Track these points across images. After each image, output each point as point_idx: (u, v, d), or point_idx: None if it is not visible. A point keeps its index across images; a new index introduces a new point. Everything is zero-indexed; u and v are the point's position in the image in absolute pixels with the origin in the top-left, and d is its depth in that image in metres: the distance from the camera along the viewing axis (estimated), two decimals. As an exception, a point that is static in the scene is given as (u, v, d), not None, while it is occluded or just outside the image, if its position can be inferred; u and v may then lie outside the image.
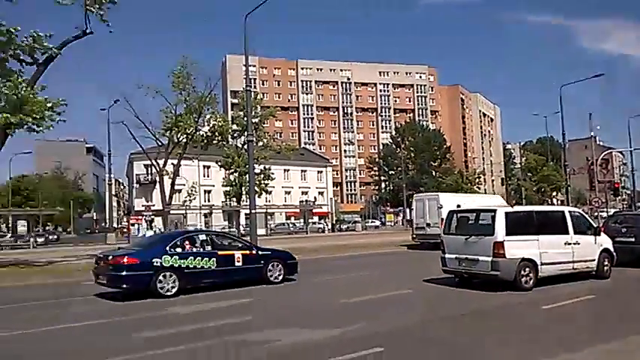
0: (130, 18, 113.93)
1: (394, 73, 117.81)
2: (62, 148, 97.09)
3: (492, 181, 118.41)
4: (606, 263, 12.47)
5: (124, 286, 10.92)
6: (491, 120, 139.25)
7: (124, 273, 10.69)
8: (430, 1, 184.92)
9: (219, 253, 12.05)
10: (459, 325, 7.93)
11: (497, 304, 9.39)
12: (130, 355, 6.30)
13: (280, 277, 12.81)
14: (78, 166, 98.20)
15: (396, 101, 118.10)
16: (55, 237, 55.15)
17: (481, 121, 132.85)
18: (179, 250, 11.48)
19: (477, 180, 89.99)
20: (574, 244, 11.71)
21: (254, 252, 12.83)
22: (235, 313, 9.15)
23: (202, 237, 12.68)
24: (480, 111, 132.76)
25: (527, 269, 10.73)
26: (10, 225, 42.77)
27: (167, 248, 11.31)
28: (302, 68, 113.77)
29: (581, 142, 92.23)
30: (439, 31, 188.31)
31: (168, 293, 10.86)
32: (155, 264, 10.90)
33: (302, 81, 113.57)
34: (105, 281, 11.16)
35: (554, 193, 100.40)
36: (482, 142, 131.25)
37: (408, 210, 78.37)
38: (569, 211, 12.53)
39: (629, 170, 63.66)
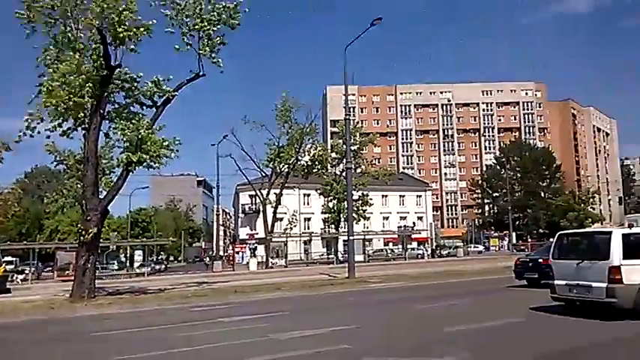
0: (236, 54, 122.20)
1: (498, 91, 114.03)
2: (176, 182, 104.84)
3: (609, 200, 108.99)
4: None
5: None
6: (607, 135, 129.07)
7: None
8: (534, 17, 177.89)
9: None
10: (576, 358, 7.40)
11: (615, 335, 8.62)
12: None
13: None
14: (189, 199, 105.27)
15: (500, 120, 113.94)
16: (163, 267, 58.33)
17: (595, 137, 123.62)
18: None
19: (591, 200, 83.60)
20: None
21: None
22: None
23: None
24: (594, 126, 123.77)
25: None
26: (127, 255, 46.31)
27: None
28: (401, 93, 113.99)
29: None
30: (546, 46, 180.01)
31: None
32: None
33: (401, 105, 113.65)
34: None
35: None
36: (596, 159, 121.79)
37: (514, 234, 74.69)
38: None
39: None
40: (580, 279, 10.30)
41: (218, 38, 19.17)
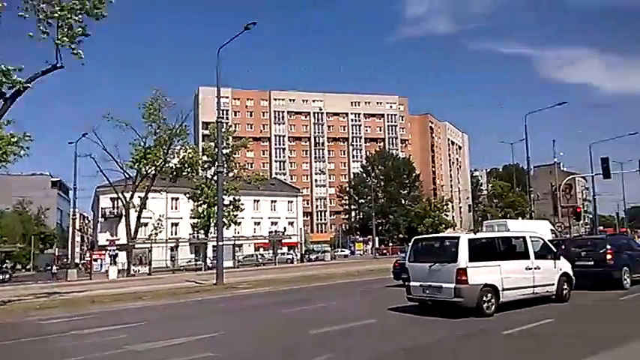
0: (102, 50, 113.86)
1: (365, 103, 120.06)
2: (26, 182, 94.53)
3: (460, 207, 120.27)
4: (565, 287, 12.70)
5: None
6: (460, 148, 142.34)
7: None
8: (401, 35, 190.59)
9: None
10: (420, 356, 7.97)
11: (460, 332, 9.45)
12: None
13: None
14: (41, 201, 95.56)
15: (367, 130, 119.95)
16: (7, 276, 52.15)
17: (449, 149, 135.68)
18: None
19: (445, 207, 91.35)
20: (535, 268, 11.93)
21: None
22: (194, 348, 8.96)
23: None
24: (449, 139, 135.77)
25: (489, 295, 10.83)
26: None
27: None
28: (275, 99, 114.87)
29: (546, 169, 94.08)
30: (410, 63, 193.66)
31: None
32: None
33: (275, 111, 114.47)
34: None
35: (520, 219, 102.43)
36: (450, 170, 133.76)
37: (377, 238, 79.06)
38: (530, 237, 12.71)
39: (591, 195, 65.65)
40: (432, 280, 11.15)
41: (80, 29, 17.71)
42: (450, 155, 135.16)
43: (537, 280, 11.95)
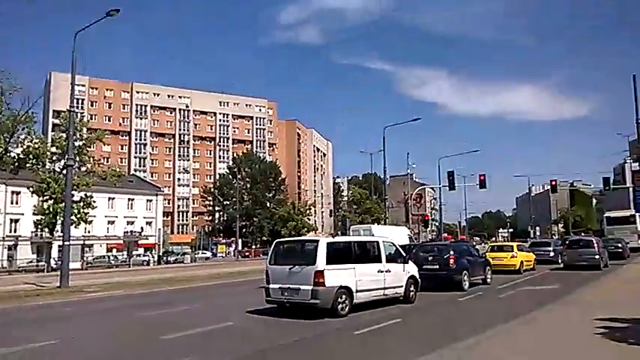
0: None
1: (234, 104, 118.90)
2: None
3: (322, 212, 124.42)
4: (412, 289, 13.71)
5: None
6: (324, 155, 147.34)
7: None
8: (274, 40, 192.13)
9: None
10: (278, 356, 8.04)
11: (315, 332, 9.72)
12: None
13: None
14: None
15: (235, 132, 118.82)
16: None
17: (315, 156, 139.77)
18: None
19: (308, 211, 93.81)
20: (386, 271, 12.70)
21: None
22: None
23: None
24: (315, 146, 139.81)
25: (343, 297, 11.29)
26: None
27: None
28: (137, 92, 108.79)
29: (400, 179, 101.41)
30: (281, 68, 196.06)
31: None
32: None
33: (137, 105, 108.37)
34: None
35: (375, 224, 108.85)
36: (314, 176, 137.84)
37: (240, 241, 78.57)
38: (384, 241, 13.53)
39: (438, 205, 72.03)
40: (291, 282, 11.31)
41: None
42: (315, 161, 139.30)
43: (388, 282, 12.74)
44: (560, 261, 27.74)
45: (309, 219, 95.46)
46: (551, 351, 7.59)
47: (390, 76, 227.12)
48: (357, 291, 11.65)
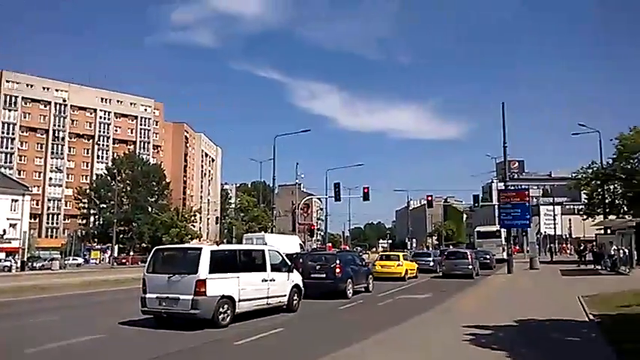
0: None
1: (118, 101, 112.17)
2: None
3: (208, 219, 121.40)
4: (296, 298, 13.69)
5: None
6: (213, 160, 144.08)
7: None
8: (164, 39, 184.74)
9: None
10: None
11: (192, 345, 9.29)
12: None
13: None
14: None
15: (116, 131, 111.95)
16: None
17: (203, 161, 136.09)
18: None
19: (193, 217, 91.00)
20: (270, 280, 12.56)
21: None
22: None
23: None
24: (203, 151, 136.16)
25: (225, 306, 10.98)
26: None
27: None
28: (8, 81, 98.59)
29: (289, 188, 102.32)
30: (170, 68, 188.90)
31: None
32: None
33: (5, 95, 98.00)
34: None
35: (267, 233, 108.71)
36: (202, 181, 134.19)
37: (116, 247, 73.93)
38: (269, 250, 13.44)
39: (324, 215, 73.61)
40: (170, 292, 10.71)
41: None
42: (202, 167, 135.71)
43: (272, 291, 12.63)
44: (439, 270, 30.46)
45: (193, 226, 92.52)
46: (423, 357, 7.94)
47: (283, 86, 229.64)
48: (239, 300, 11.40)
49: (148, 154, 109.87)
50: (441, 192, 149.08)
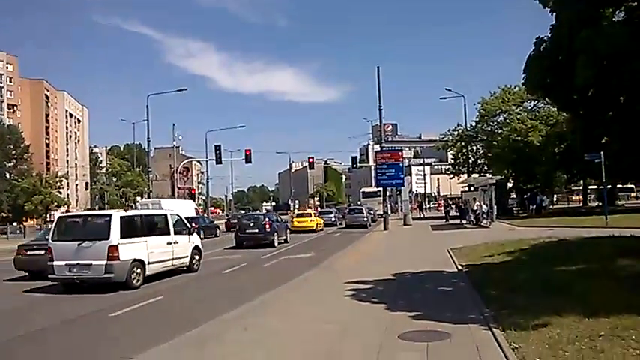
0: None
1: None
2: None
3: (77, 185, 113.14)
4: (197, 258, 14.52)
5: None
6: (79, 122, 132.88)
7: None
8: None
9: None
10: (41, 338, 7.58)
11: (104, 306, 9.45)
12: None
13: None
14: None
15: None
16: None
17: (67, 122, 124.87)
18: None
19: (59, 184, 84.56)
20: (174, 243, 13.22)
21: None
22: None
23: None
24: (67, 111, 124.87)
25: (137, 269, 11.42)
26: None
27: None
28: None
29: (166, 151, 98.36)
30: (25, 19, 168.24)
31: None
32: None
33: None
34: None
35: (139, 198, 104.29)
36: (67, 144, 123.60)
37: None
38: (171, 214, 13.94)
39: (205, 179, 72.46)
40: (81, 258, 10.81)
41: None
42: (67, 128, 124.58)
43: (176, 253, 13.30)
44: (338, 224, 39.01)
45: (60, 192, 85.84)
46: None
47: (156, 44, 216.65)
48: (149, 263, 11.88)
49: (2, 114, 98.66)
50: (321, 154, 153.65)
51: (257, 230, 22.25)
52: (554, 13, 12.40)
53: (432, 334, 6.30)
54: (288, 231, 25.36)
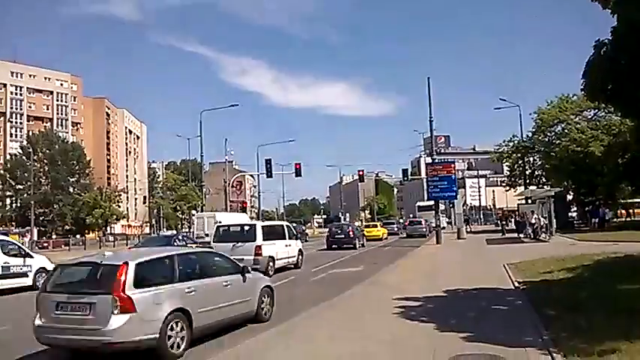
0: None
1: (30, 76, 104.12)
2: None
3: (135, 199, 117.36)
4: (301, 257, 20.02)
5: None
6: (138, 138, 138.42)
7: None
8: (80, 10, 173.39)
9: None
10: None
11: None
12: None
13: None
14: None
15: (30, 107, 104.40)
16: None
17: (127, 138, 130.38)
18: None
19: (118, 198, 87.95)
20: (288, 245, 18.95)
21: None
22: None
23: None
24: (127, 127, 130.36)
25: (271, 263, 16.83)
26: None
27: None
28: None
29: (220, 165, 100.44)
30: (88, 41, 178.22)
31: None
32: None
33: None
34: None
35: (193, 211, 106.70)
36: (126, 160, 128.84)
37: (36, 230, 69.73)
38: (287, 225, 21.01)
39: (257, 192, 73.47)
40: (235, 254, 13.43)
41: None
42: (127, 144, 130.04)
43: (290, 252, 19.07)
44: (400, 233, 47.80)
45: (119, 206, 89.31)
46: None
47: (211, 61, 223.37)
48: (277, 259, 17.49)
49: (67, 132, 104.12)
50: (372, 167, 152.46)
51: (343, 236, 30.62)
52: (616, 15, 11.63)
53: (485, 358, 5.90)
54: (364, 237, 33.83)
